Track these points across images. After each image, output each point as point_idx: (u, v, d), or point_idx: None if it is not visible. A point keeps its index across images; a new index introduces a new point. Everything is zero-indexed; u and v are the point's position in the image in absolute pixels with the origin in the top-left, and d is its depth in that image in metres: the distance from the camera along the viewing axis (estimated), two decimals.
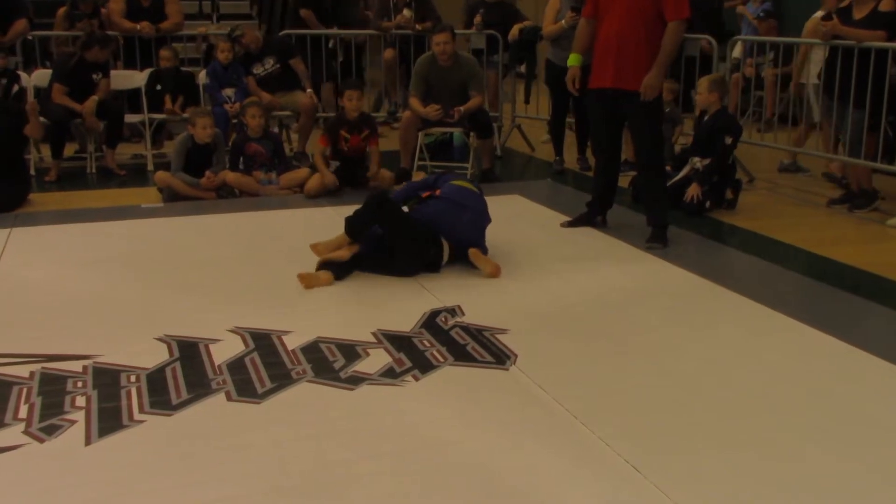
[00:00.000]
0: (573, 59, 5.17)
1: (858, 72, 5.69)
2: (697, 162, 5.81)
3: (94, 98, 6.75)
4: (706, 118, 5.95)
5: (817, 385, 3.17)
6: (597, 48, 5.02)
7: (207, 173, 6.01)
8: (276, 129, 7.28)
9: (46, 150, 7.31)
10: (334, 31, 8.48)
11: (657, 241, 4.95)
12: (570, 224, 5.34)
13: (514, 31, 7.93)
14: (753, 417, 2.92)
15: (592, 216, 5.35)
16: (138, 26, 7.60)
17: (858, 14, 5.75)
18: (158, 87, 7.22)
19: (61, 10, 8.01)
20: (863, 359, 3.39)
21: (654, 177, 5.14)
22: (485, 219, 4.63)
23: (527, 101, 8.86)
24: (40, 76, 7.20)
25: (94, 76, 6.87)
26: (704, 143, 5.85)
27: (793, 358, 3.42)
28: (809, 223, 5.64)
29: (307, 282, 4.19)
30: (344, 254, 4.34)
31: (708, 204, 5.74)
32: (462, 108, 6.58)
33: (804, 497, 2.46)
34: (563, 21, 6.81)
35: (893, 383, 3.20)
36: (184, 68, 7.55)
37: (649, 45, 4.82)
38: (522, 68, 9.09)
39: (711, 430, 2.83)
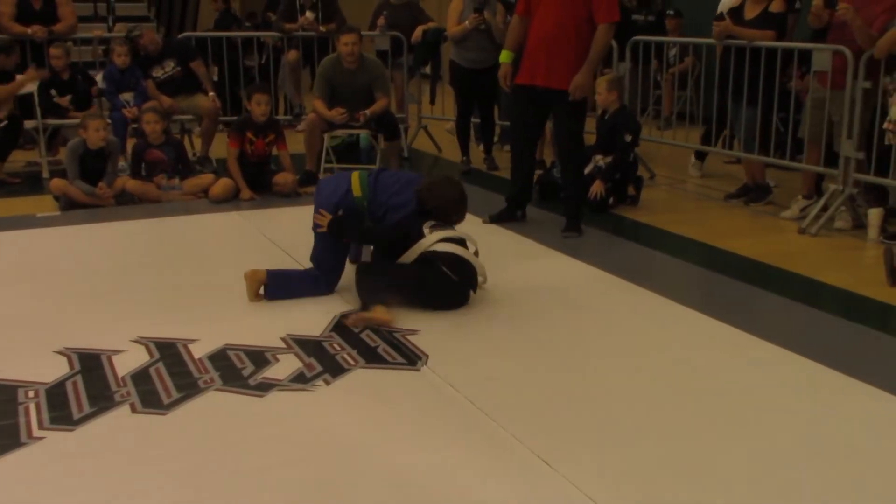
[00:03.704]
0: (505, 56, 5.27)
1: (750, 71, 5.89)
2: (600, 159, 5.93)
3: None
4: (607, 116, 6.07)
5: (719, 373, 3.28)
6: (528, 45, 5.12)
7: (101, 184, 5.83)
8: (177, 135, 7.12)
9: None
10: (242, 32, 8.33)
11: (573, 231, 5.17)
12: (494, 220, 5.41)
13: (418, 32, 7.95)
14: (661, 408, 2.99)
15: (513, 211, 5.48)
16: (29, 30, 7.32)
17: (750, 14, 5.95)
18: (53, 92, 6.97)
19: None
20: (761, 347, 3.52)
21: (575, 171, 5.33)
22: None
23: (432, 102, 8.89)
24: None
25: None
26: (606, 140, 5.97)
27: (695, 348, 3.53)
28: (708, 217, 5.82)
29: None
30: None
31: (611, 200, 5.87)
32: (368, 112, 6.56)
33: (714, 485, 2.53)
34: (466, 22, 6.86)
35: (791, 369, 3.32)
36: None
37: (580, 45, 4.99)
38: (427, 69, 9.12)
39: (621, 422, 2.89)
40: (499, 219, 5.43)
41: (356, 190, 4.05)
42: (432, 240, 3.96)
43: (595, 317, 3.88)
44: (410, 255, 3.95)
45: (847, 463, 2.65)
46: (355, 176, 4.12)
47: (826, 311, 4.00)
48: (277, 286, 4.07)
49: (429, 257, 3.93)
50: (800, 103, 6.22)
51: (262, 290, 4.04)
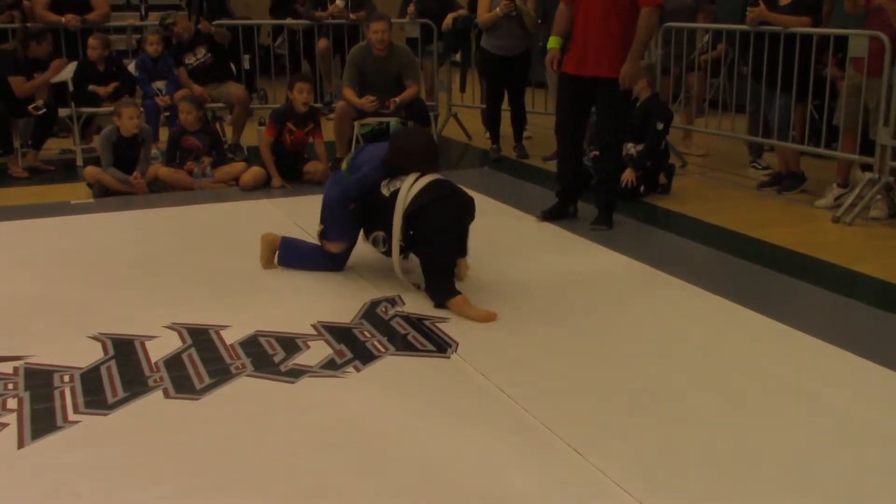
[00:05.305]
0: (553, 42, 5.15)
1: (784, 57, 5.81)
2: (631, 147, 5.88)
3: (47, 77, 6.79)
4: (638, 104, 6.02)
5: (751, 363, 3.25)
6: (575, 35, 5.04)
7: (136, 173, 5.89)
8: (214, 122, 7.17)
9: None
10: (271, 20, 8.36)
11: (603, 223, 5.06)
12: (546, 217, 5.20)
13: (448, 19, 7.94)
14: (693, 398, 2.98)
15: (565, 206, 5.27)
16: (63, 18, 7.39)
17: (784, 0, 5.88)
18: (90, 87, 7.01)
19: None
20: (795, 337, 3.49)
21: (612, 161, 5.23)
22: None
23: (462, 90, 8.88)
24: None
25: (35, 74, 6.72)
26: (637, 128, 5.93)
27: (728, 338, 3.50)
28: (740, 206, 5.76)
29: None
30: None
31: (642, 188, 5.83)
32: (397, 99, 6.56)
33: (745, 474, 2.51)
34: (497, 9, 6.83)
35: (825, 359, 3.29)
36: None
37: (625, 33, 4.89)
38: (457, 57, 9.10)
39: (653, 412, 2.88)
40: (551, 215, 5.20)
41: (344, 164, 4.18)
42: (405, 195, 3.84)
43: (625, 306, 3.86)
44: (397, 222, 3.84)
45: (882, 453, 2.62)
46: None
47: (861, 301, 3.96)
48: (290, 254, 4.26)
49: (418, 207, 3.82)
50: (835, 91, 6.13)
51: (275, 259, 4.25)
